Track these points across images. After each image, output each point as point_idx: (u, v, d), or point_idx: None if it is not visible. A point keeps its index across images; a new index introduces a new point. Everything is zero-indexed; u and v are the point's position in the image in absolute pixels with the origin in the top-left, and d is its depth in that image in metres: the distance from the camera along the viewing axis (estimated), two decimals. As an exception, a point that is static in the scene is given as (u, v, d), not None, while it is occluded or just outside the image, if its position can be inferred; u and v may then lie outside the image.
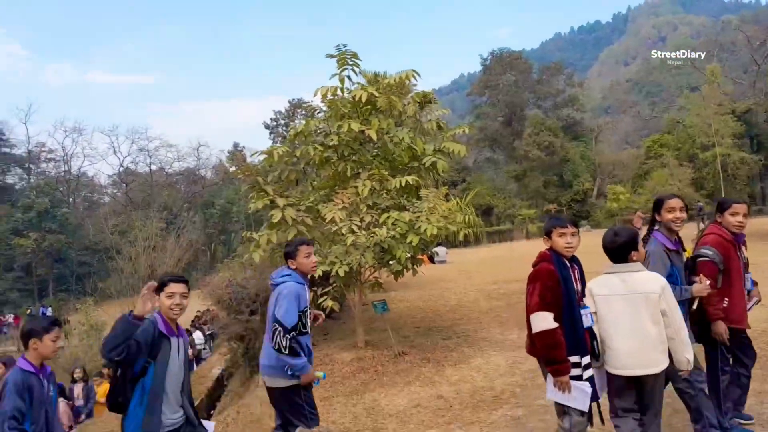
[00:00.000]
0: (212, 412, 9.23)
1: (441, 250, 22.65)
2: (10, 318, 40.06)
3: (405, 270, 8.02)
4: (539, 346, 3.23)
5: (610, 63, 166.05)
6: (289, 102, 56.92)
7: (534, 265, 3.42)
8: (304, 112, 39.69)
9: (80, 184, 61.99)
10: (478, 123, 55.44)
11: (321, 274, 7.24)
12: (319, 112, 8.91)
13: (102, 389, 9.50)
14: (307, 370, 3.74)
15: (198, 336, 14.84)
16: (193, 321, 17.03)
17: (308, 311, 3.95)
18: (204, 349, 14.81)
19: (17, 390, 3.10)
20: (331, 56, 7.91)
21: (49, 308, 40.87)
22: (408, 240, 7.16)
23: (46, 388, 3.29)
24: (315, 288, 8.47)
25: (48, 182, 55.62)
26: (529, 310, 3.28)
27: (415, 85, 9.12)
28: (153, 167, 60.90)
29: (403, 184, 7.59)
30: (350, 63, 7.92)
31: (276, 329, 3.66)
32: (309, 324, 3.96)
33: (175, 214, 51.66)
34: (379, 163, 8.33)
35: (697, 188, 43.28)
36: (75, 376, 9.72)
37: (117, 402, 3.18)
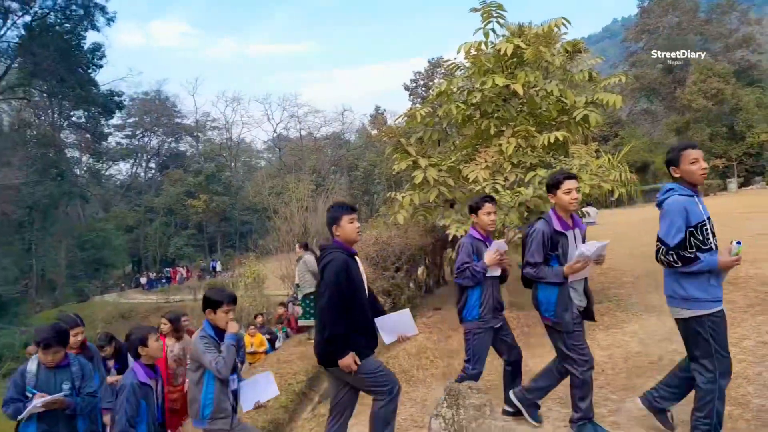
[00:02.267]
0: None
1: (592, 210, 21.38)
2: (183, 271, 45.68)
3: (553, 230, 7.70)
4: None
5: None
6: (429, 62, 56.60)
7: None
8: (443, 71, 39.17)
9: (240, 149, 67.77)
10: (634, 71, 50.74)
11: (463, 234, 7.21)
12: (460, 70, 8.69)
13: (257, 340, 10.40)
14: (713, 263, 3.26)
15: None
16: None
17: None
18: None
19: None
20: (476, 10, 7.64)
21: (218, 262, 45.81)
22: (555, 199, 6.84)
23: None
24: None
25: (213, 148, 61.61)
26: None
27: (564, 33, 8.51)
28: (302, 132, 64.56)
29: (552, 141, 7.15)
30: (495, 15, 7.60)
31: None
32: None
33: (323, 176, 54.48)
34: (524, 119, 7.98)
35: None
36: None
37: None
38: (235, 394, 3.77)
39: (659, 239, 3.32)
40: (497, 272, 4.28)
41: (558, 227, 3.79)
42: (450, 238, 7.31)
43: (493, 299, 4.28)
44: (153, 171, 63.57)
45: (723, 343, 3.27)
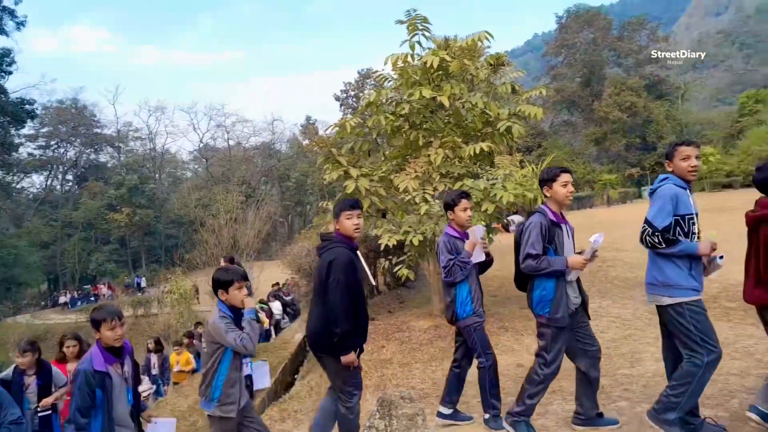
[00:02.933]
0: (296, 376, 9.60)
1: (516, 219, 22.16)
2: (104, 288, 43.43)
3: (480, 238, 7.90)
4: None
5: (699, 15, 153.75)
6: (358, 72, 56.96)
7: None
8: (373, 82, 39.58)
9: (164, 160, 65.37)
10: (555, 84, 53.16)
11: (395, 243, 7.27)
12: (389, 81, 8.81)
13: (183, 358, 9.76)
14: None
15: (276, 306, 15.31)
16: (270, 291, 17.57)
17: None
18: (282, 318, 15.25)
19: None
20: (401, 22, 7.78)
21: (143, 278, 43.85)
22: (483, 208, 7.04)
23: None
24: (390, 257, 8.54)
25: (136, 159, 59.05)
26: None
27: (488, 47, 8.82)
28: (231, 142, 63.14)
29: (477, 152, 7.39)
30: (420, 28, 7.77)
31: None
32: None
33: (253, 187, 53.48)
34: (451, 130, 8.18)
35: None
36: (149, 347, 10.08)
37: None
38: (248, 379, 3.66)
39: (647, 221, 3.43)
40: (482, 257, 4.19)
41: (554, 218, 3.76)
42: (382, 247, 7.35)
43: (480, 291, 4.26)
44: (70, 183, 60.18)
45: (707, 332, 3.37)
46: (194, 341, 10.72)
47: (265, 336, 13.08)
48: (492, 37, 7.93)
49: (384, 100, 8.24)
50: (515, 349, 6.33)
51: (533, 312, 3.87)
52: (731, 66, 69.07)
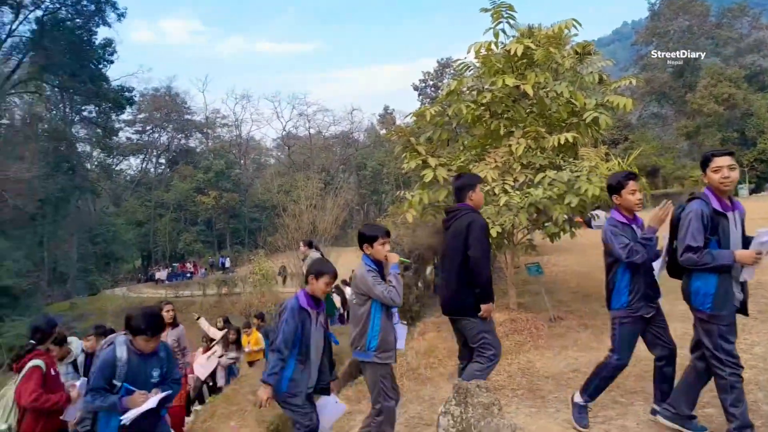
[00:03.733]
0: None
1: (600, 214, 21.30)
2: (190, 266, 45.91)
3: (562, 232, 7.69)
4: None
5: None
6: (438, 62, 56.54)
7: None
8: (453, 71, 39.16)
9: (249, 147, 68.01)
10: (645, 75, 50.39)
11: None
12: (471, 69, 8.69)
13: (252, 338, 10.03)
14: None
15: (350, 292, 15.42)
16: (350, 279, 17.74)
17: None
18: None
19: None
20: (486, 10, 7.62)
21: (227, 258, 46.00)
22: (566, 201, 6.82)
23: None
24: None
25: (223, 145, 61.86)
26: None
27: (574, 35, 8.49)
28: (311, 131, 64.72)
29: (561, 142, 7.13)
30: (505, 16, 7.58)
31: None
32: None
33: (332, 175, 54.62)
34: (534, 120, 7.97)
35: None
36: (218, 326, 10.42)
37: None
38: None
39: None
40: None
41: (718, 207, 3.41)
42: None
43: (646, 285, 3.79)
44: (163, 167, 63.92)
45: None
46: (263, 322, 10.95)
47: (339, 319, 13.35)
48: (579, 24, 7.63)
49: (465, 89, 8.14)
50: (594, 347, 6.15)
51: (690, 305, 3.59)
52: None
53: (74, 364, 5.54)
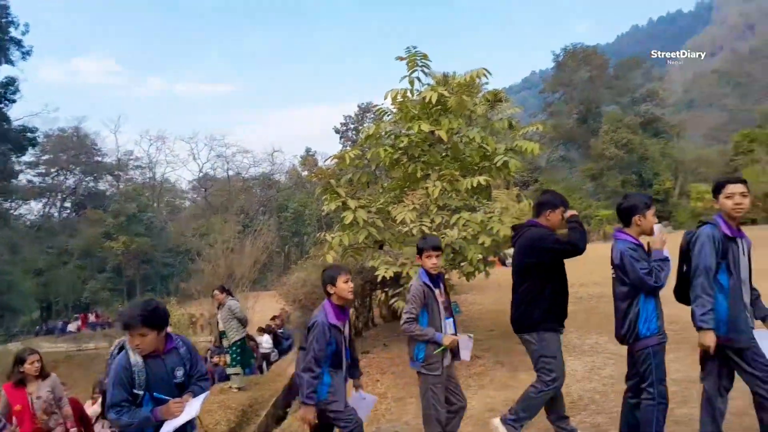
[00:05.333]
0: (287, 410, 9.45)
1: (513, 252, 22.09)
2: (92, 317, 43.10)
3: (476, 272, 7.91)
4: None
5: (693, 55, 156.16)
6: (359, 106, 57.72)
7: None
8: (373, 115, 40.09)
9: (164, 189, 65.65)
10: (552, 121, 53.90)
11: (392, 275, 7.26)
12: (388, 115, 8.94)
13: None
14: None
15: (266, 339, 15.04)
16: (266, 326, 17.21)
17: None
18: (273, 352, 14.95)
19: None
20: (401, 58, 7.91)
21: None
22: (480, 241, 7.05)
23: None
24: (386, 289, 8.51)
25: (135, 188, 59.26)
26: None
27: (485, 83, 8.99)
28: (230, 173, 63.55)
29: (474, 185, 7.45)
30: (420, 64, 7.89)
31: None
32: None
33: (251, 217, 53.53)
34: (449, 164, 8.26)
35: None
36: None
37: None
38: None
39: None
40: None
41: (728, 232, 3.46)
42: (378, 279, 7.34)
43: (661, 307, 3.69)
44: (68, 211, 60.19)
45: None
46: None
47: (257, 369, 12.94)
48: (490, 74, 8.08)
49: (383, 133, 8.35)
50: (510, 385, 6.26)
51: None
52: (725, 105, 70.07)
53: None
